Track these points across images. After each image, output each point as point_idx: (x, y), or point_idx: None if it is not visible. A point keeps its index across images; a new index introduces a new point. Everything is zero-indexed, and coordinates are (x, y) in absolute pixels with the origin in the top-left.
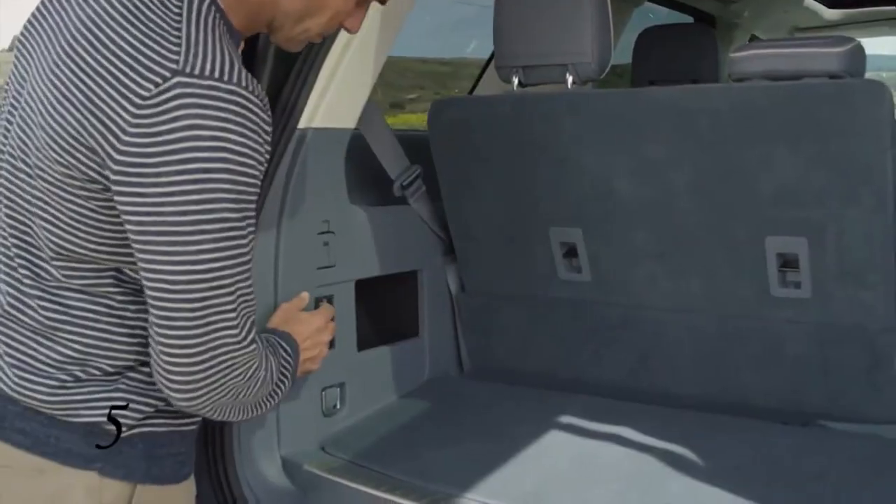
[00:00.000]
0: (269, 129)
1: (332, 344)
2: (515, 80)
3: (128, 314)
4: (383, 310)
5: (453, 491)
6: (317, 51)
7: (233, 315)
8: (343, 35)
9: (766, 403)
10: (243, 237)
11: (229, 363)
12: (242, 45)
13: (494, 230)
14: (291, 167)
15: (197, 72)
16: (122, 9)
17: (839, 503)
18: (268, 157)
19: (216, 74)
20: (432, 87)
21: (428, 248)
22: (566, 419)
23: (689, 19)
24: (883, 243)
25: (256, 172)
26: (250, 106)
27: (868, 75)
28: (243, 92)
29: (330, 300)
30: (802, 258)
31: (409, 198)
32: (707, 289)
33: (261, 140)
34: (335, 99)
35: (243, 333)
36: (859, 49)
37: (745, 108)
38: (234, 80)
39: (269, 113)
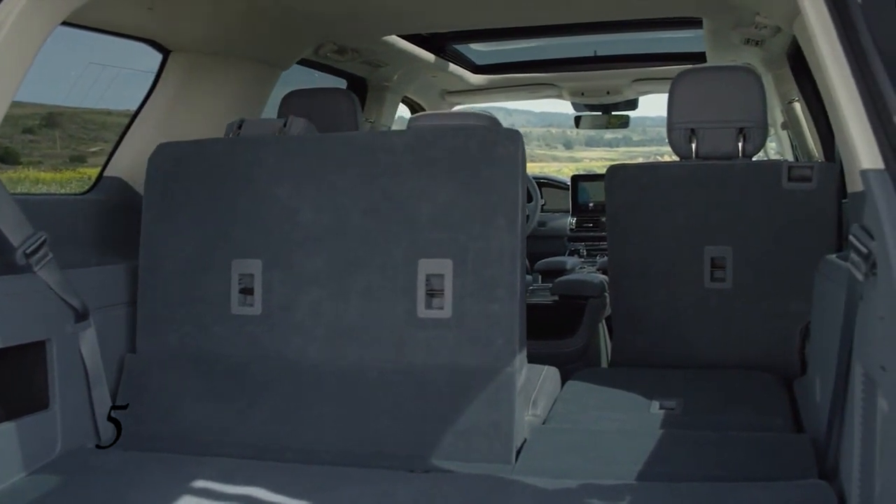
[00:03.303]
0: None
1: None
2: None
3: None
4: (6, 384)
5: None
6: None
7: None
8: None
9: (398, 451)
10: None
11: None
12: None
13: (181, 264)
14: None
15: None
16: None
17: None
18: None
19: None
20: (116, 139)
21: (57, 317)
22: (200, 483)
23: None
24: (511, 259)
25: None
26: None
27: (540, 130)
28: None
29: None
30: (447, 278)
31: (34, 266)
32: (364, 310)
33: None
34: None
35: None
36: (496, 119)
37: (415, 143)
38: None
39: None
